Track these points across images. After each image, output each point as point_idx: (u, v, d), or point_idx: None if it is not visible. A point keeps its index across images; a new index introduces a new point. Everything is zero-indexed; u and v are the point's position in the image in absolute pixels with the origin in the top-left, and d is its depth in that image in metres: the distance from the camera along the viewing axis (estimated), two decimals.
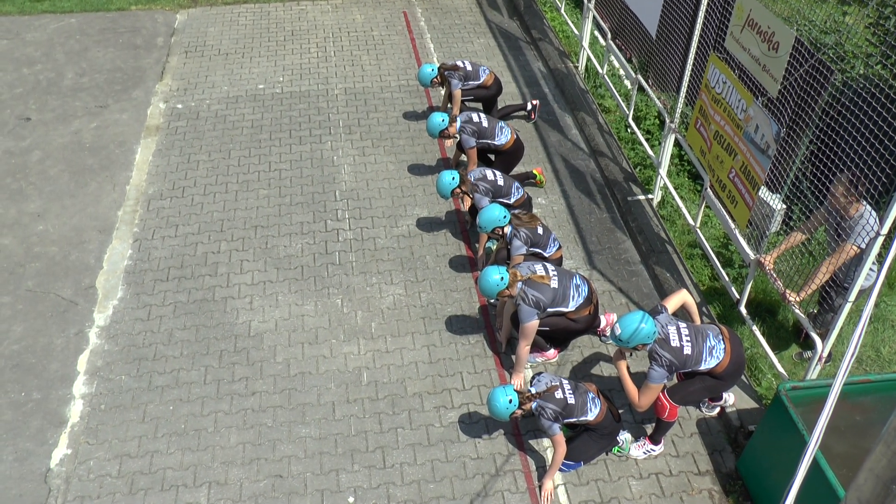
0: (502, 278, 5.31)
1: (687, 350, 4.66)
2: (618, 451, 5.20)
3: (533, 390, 4.85)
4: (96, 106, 8.90)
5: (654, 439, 5.18)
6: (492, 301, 6.24)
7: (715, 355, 4.72)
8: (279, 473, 5.15)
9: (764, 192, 5.62)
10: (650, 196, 7.32)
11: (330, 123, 8.61)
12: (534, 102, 8.56)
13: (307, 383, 5.74)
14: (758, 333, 5.63)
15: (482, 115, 7.23)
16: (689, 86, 6.64)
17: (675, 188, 7.12)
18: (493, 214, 6.02)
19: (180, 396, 5.66)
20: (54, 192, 7.61)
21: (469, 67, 7.97)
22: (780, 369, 5.40)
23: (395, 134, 8.43)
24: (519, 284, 5.33)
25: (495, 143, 7.19)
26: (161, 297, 6.46)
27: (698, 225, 6.56)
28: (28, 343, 6.07)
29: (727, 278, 6.10)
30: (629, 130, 8.12)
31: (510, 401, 4.79)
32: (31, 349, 6.02)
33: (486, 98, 8.15)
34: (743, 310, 5.79)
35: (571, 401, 4.78)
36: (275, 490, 5.06)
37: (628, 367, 4.95)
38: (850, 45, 6.53)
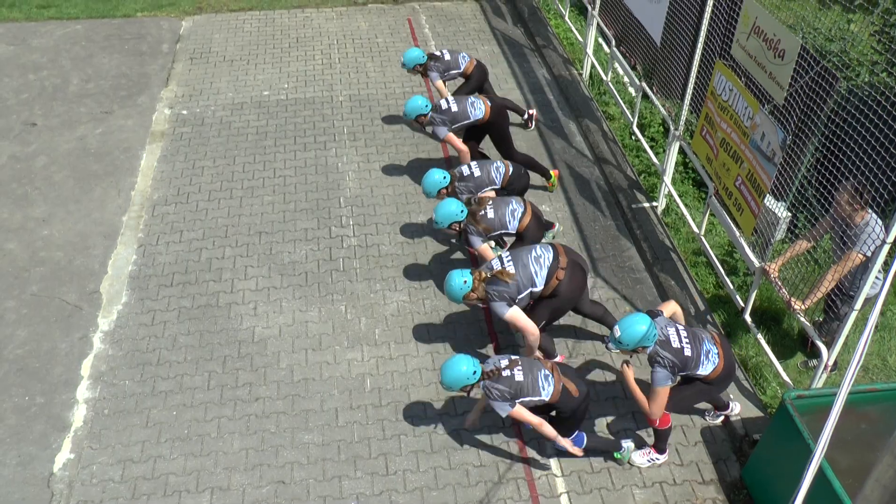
0: (466, 281, 5.22)
1: (687, 351, 4.64)
2: (618, 456, 5.18)
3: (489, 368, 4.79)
4: (101, 112, 8.93)
5: (659, 448, 5.15)
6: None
7: (711, 359, 4.70)
8: (282, 479, 5.14)
9: (769, 200, 5.61)
10: (655, 204, 7.31)
11: (334, 130, 8.62)
12: (531, 112, 8.47)
13: (311, 389, 5.73)
14: (763, 342, 5.61)
15: (451, 98, 7.17)
16: (693, 93, 6.64)
17: (680, 196, 7.11)
18: (450, 209, 5.88)
19: (184, 402, 5.65)
20: (59, 197, 7.63)
21: (448, 57, 7.86)
22: (786, 378, 5.38)
23: (399, 141, 8.44)
24: (483, 285, 5.24)
25: (472, 120, 7.11)
26: (165, 302, 6.47)
27: (703, 233, 6.55)
28: (32, 347, 6.07)
29: (732, 286, 6.09)
30: (633, 138, 8.11)
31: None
32: (35, 353, 6.02)
33: (472, 88, 8.02)
34: (748, 318, 5.78)
35: (520, 378, 4.69)
36: (277, 496, 5.04)
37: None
38: (855, 52, 6.53)
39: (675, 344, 4.63)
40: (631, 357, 4.90)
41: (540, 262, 5.29)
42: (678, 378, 4.73)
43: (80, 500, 5.03)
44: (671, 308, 5.02)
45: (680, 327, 4.76)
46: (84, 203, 7.56)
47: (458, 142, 7.20)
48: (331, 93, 9.27)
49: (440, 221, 5.95)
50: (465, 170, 6.50)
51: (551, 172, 7.52)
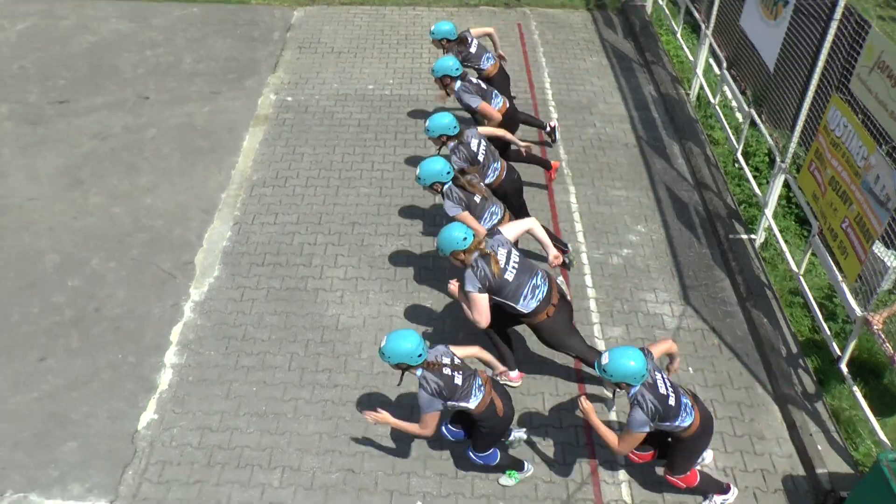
0: (465, 238, 5.05)
1: (671, 401, 4.37)
2: (507, 443, 5.19)
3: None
4: (210, 91, 9.27)
5: (719, 490, 4.94)
6: None
7: (689, 412, 4.44)
8: (352, 468, 5.21)
9: (878, 247, 5.34)
10: (753, 236, 7.06)
11: None
12: (552, 124, 8.13)
13: (388, 383, 5.78)
14: (858, 395, 5.33)
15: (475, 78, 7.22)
16: (804, 125, 6.39)
17: (781, 231, 6.84)
18: (436, 167, 5.72)
19: (264, 379, 5.80)
20: (165, 169, 7.96)
21: (473, 50, 7.70)
22: (882, 437, 5.07)
23: None
24: (475, 254, 5.07)
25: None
26: (255, 280, 6.65)
27: (802, 272, 6.28)
28: (129, 308, 6.35)
29: (829, 332, 5.81)
30: (737, 165, 7.86)
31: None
32: (131, 315, 6.30)
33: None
34: (843, 367, 5.50)
35: (458, 381, 4.56)
36: (345, 483, 5.12)
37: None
38: None
39: (662, 390, 4.37)
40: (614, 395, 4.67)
41: (534, 293, 5.13)
42: (654, 427, 4.44)
43: (159, 459, 5.24)
44: (667, 347, 4.75)
45: (664, 374, 4.51)
46: (187, 177, 7.86)
47: (492, 109, 7.03)
48: (436, 92, 9.32)
49: (424, 178, 5.81)
50: (473, 143, 6.29)
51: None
